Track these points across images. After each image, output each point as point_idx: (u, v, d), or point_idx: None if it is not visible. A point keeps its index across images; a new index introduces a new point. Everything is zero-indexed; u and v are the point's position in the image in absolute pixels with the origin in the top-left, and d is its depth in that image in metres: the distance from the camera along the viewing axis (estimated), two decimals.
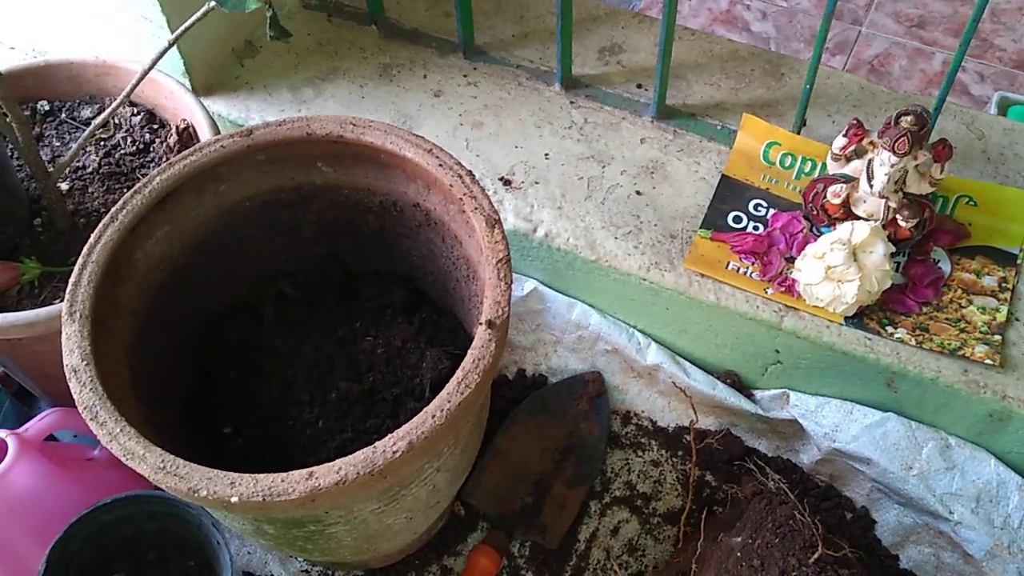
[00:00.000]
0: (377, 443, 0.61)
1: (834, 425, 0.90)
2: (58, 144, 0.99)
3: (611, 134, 1.02)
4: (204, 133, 0.93)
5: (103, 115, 0.85)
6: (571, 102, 1.05)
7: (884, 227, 0.85)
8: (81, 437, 0.99)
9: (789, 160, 0.97)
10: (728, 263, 0.91)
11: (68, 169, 0.96)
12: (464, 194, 0.74)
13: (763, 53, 1.09)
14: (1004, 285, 0.88)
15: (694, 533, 0.88)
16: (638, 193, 0.97)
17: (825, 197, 0.88)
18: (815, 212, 0.90)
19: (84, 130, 0.99)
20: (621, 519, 0.95)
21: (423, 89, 1.07)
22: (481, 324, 0.67)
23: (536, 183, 0.98)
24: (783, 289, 0.89)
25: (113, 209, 0.74)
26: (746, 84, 1.05)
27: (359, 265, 0.92)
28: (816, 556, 0.76)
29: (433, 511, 0.80)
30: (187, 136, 0.96)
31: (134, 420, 0.64)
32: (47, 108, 1.02)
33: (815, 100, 1.00)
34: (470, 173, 0.75)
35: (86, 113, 1.01)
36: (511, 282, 0.69)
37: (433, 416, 0.62)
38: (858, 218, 0.87)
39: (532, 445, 0.97)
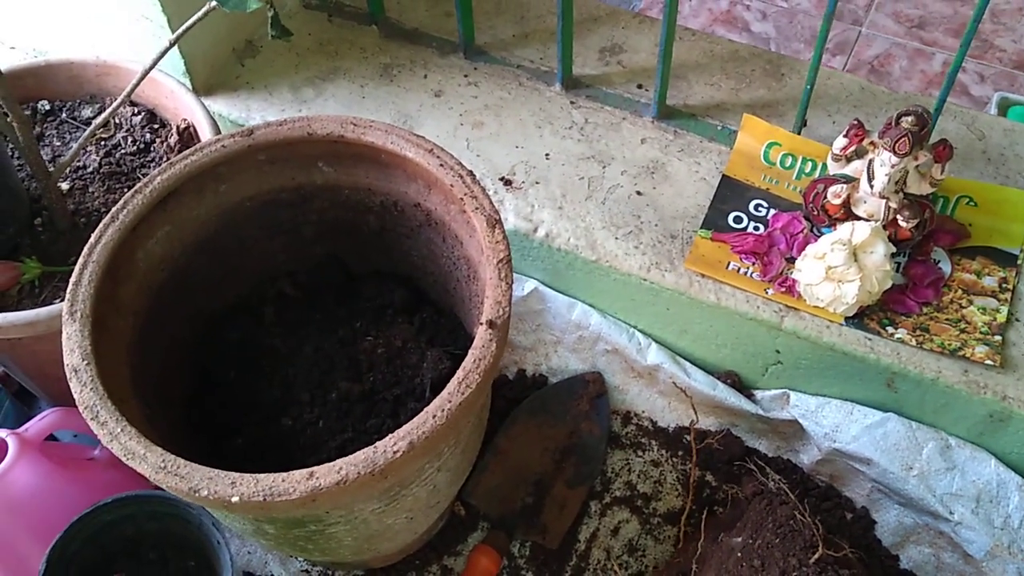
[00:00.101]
0: (378, 443, 0.61)
1: (834, 425, 0.90)
2: (59, 144, 0.99)
3: (612, 134, 1.02)
4: (205, 133, 0.93)
5: (104, 115, 0.85)
6: (572, 102, 1.05)
7: (885, 227, 0.85)
8: (81, 437, 0.99)
9: (789, 160, 0.97)
10: (728, 263, 0.91)
11: (69, 169, 0.96)
12: (465, 194, 0.74)
13: (763, 53, 1.09)
14: (1004, 285, 0.88)
15: (694, 533, 0.88)
16: (639, 193, 0.97)
17: (826, 197, 0.88)
18: (815, 212, 0.90)
19: (85, 130, 0.99)
20: (621, 519, 0.95)
21: (424, 89, 1.07)
22: (482, 324, 0.67)
23: (537, 183, 0.98)
24: (783, 289, 0.89)
25: (114, 209, 0.74)
26: (746, 84, 1.05)
27: (359, 265, 0.92)
28: (816, 556, 0.76)
29: (433, 511, 0.80)
30: (188, 136, 0.96)
31: (135, 420, 0.64)
32: (48, 108, 1.02)
33: (815, 100, 1.00)
34: (471, 173, 0.75)
35: (87, 113, 1.01)
36: (512, 282, 0.69)
37: (434, 416, 0.62)
38: (859, 218, 0.87)
39: (532, 445, 0.97)
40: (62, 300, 0.70)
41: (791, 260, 0.90)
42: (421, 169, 0.77)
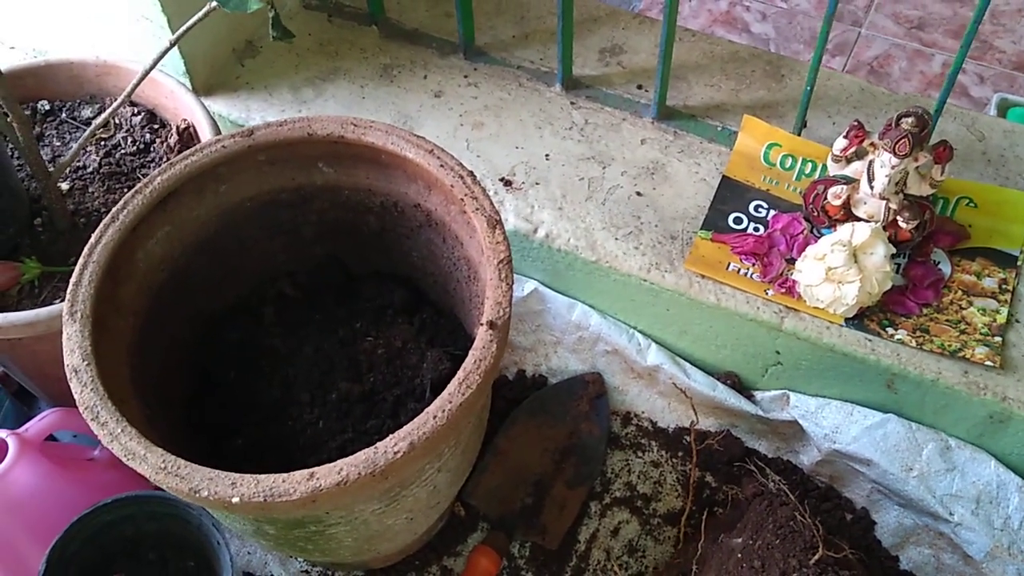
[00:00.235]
0: (378, 443, 0.61)
1: (834, 426, 0.90)
2: (58, 144, 0.99)
3: (612, 135, 1.02)
4: (205, 133, 0.93)
5: (104, 115, 0.85)
6: (572, 103, 1.05)
7: (885, 228, 0.85)
8: (81, 437, 0.98)
9: (789, 161, 0.97)
10: (728, 264, 0.91)
11: (68, 169, 0.96)
12: (465, 195, 0.74)
13: (763, 54, 1.09)
14: (1004, 287, 0.88)
15: (694, 534, 0.88)
16: (639, 194, 0.97)
17: (826, 198, 0.88)
18: (816, 213, 0.90)
19: (84, 130, 0.99)
20: (621, 520, 0.95)
21: (424, 90, 1.07)
22: (482, 325, 0.67)
23: (537, 184, 0.98)
24: (783, 290, 0.89)
25: (114, 209, 0.74)
26: (746, 85, 1.05)
27: (359, 265, 0.92)
28: (816, 557, 0.76)
29: (433, 512, 0.80)
30: (188, 136, 0.96)
31: (135, 420, 0.64)
32: (47, 108, 1.02)
33: (815, 101, 1.01)
34: (471, 174, 0.75)
35: (86, 113, 1.01)
36: (512, 283, 0.69)
37: (434, 417, 0.62)
38: (859, 219, 0.87)
39: (532, 446, 0.97)
40: (62, 300, 0.70)
41: (791, 261, 0.90)
42: (421, 170, 0.77)
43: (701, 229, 0.94)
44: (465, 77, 1.08)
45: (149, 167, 0.97)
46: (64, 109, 1.02)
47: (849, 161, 0.88)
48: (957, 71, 0.84)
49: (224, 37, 1.09)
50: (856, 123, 0.87)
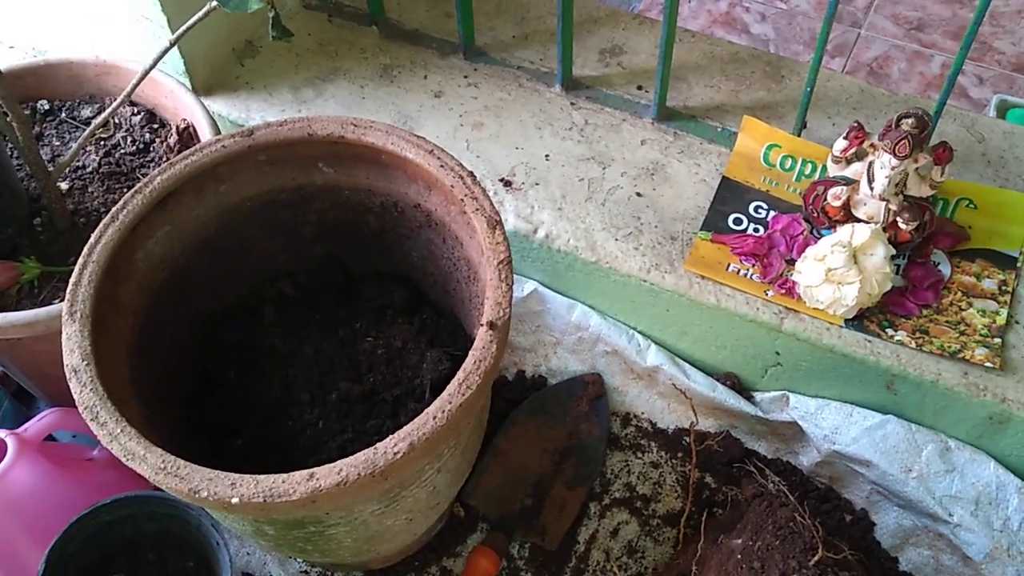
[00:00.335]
0: (378, 444, 0.61)
1: (834, 427, 0.90)
2: (58, 144, 0.99)
3: (612, 135, 1.02)
4: (204, 133, 0.93)
5: (103, 115, 0.85)
6: (572, 103, 1.05)
7: (884, 230, 0.86)
8: (80, 437, 0.98)
9: (789, 162, 0.97)
10: (728, 265, 0.91)
11: (68, 169, 0.95)
12: (465, 195, 0.74)
13: (763, 55, 1.09)
14: (1004, 288, 0.88)
15: (694, 535, 0.88)
16: (638, 195, 0.97)
17: (825, 199, 0.88)
18: (815, 214, 0.90)
19: (84, 130, 0.99)
20: (621, 521, 0.95)
21: (424, 90, 1.07)
22: (482, 325, 0.67)
23: (536, 184, 0.98)
24: (783, 291, 0.89)
25: (114, 209, 0.74)
26: (746, 86, 1.05)
27: (359, 266, 0.92)
28: (816, 558, 0.76)
29: (433, 512, 0.80)
30: (187, 136, 0.96)
31: (134, 420, 0.64)
32: (47, 107, 1.02)
33: (815, 102, 1.01)
34: (471, 174, 0.75)
35: (86, 113, 1.01)
36: (512, 283, 0.69)
37: (434, 417, 0.62)
38: (858, 220, 0.87)
39: (532, 446, 0.97)
40: (61, 300, 0.70)
41: (791, 262, 0.90)
42: (421, 170, 0.77)
43: (701, 230, 0.94)
44: (465, 77, 1.08)
45: (149, 167, 0.97)
46: (64, 109, 1.02)
47: (849, 162, 0.88)
48: (957, 72, 0.84)
49: (224, 37, 1.09)
50: (856, 124, 0.87)
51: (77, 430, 0.89)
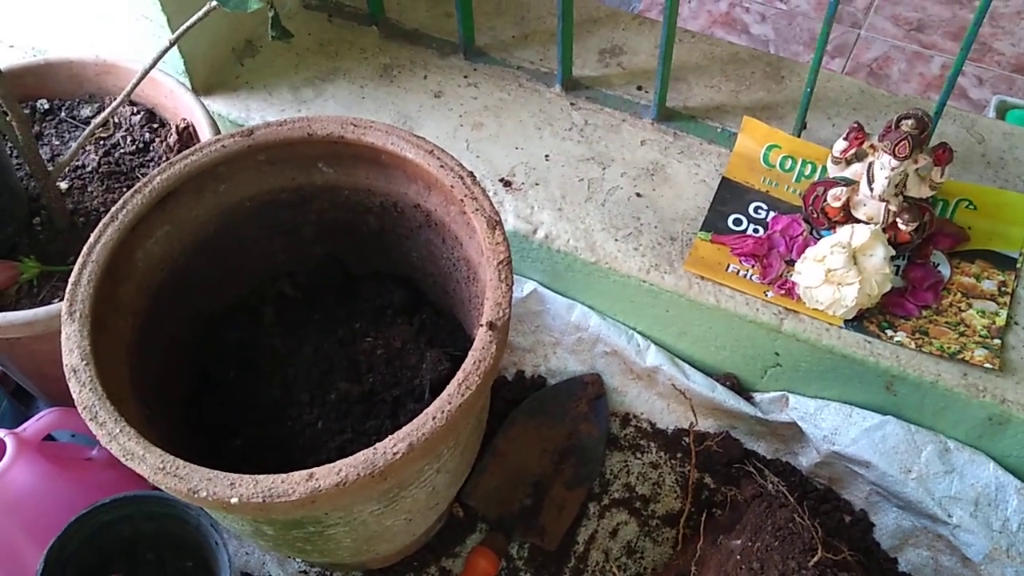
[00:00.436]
0: (377, 444, 0.61)
1: (833, 428, 0.90)
2: (57, 143, 0.99)
3: (611, 136, 1.02)
4: (204, 133, 0.93)
5: (103, 114, 0.85)
6: (571, 104, 1.05)
7: (884, 230, 0.86)
8: (79, 437, 0.98)
9: (789, 163, 0.97)
10: (728, 265, 0.91)
11: (67, 168, 0.95)
12: (465, 195, 0.74)
13: (763, 56, 1.09)
14: (1004, 289, 0.88)
15: (693, 536, 0.88)
16: (638, 195, 0.97)
17: (825, 200, 0.88)
18: (815, 215, 0.90)
19: (84, 129, 0.99)
20: (620, 521, 0.95)
21: (423, 90, 1.07)
22: (482, 326, 0.67)
23: (536, 184, 0.98)
24: (783, 292, 0.89)
25: (113, 208, 0.74)
26: (746, 87, 1.05)
27: (359, 266, 0.91)
28: (816, 559, 0.76)
29: (432, 512, 0.80)
30: (187, 136, 0.96)
31: (134, 420, 0.64)
32: (47, 107, 1.01)
33: (815, 103, 1.01)
34: (471, 174, 0.75)
35: (86, 112, 1.01)
36: (512, 284, 0.69)
37: (434, 418, 0.62)
38: (858, 221, 0.87)
39: (531, 447, 0.97)
40: (60, 300, 0.70)
41: (791, 263, 0.90)
42: (421, 170, 0.77)
43: (701, 230, 0.94)
44: (465, 77, 1.08)
45: (148, 166, 0.97)
46: (63, 108, 1.02)
47: (849, 163, 0.88)
48: (957, 73, 0.84)
49: (224, 37, 1.09)
50: (856, 125, 0.87)
51: (76, 430, 0.89)
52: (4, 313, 0.80)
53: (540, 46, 1.11)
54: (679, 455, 0.98)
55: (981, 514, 0.85)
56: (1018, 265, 0.90)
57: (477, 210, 0.73)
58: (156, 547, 0.88)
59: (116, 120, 1.00)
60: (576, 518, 0.95)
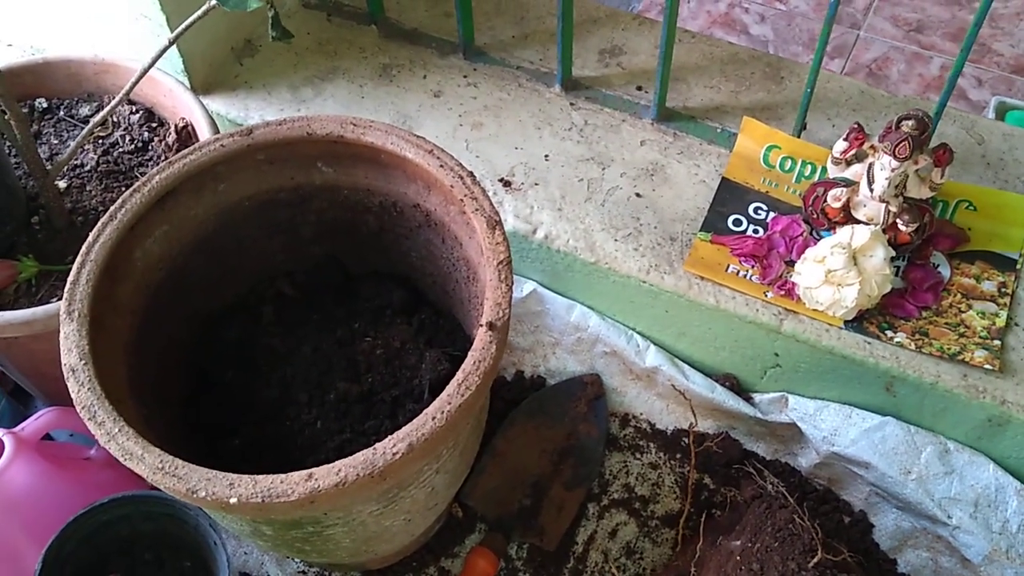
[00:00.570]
0: (377, 444, 0.61)
1: (833, 429, 0.90)
2: (56, 142, 0.99)
3: (611, 136, 1.02)
4: (203, 132, 0.92)
5: (102, 113, 0.85)
6: (571, 104, 1.05)
7: (884, 231, 0.85)
8: (77, 436, 0.98)
9: (789, 163, 0.97)
10: (728, 266, 0.91)
11: (66, 167, 0.95)
12: (465, 195, 0.74)
13: (763, 56, 1.09)
14: (1004, 290, 0.88)
15: (693, 536, 0.88)
16: (638, 195, 0.97)
17: (825, 201, 0.88)
18: (815, 216, 0.90)
19: (82, 128, 0.99)
20: (619, 521, 0.95)
21: (423, 89, 1.07)
22: (482, 326, 0.67)
23: (536, 184, 0.98)
24: (783, 292, 0.89)
25: (112, 208, 0.74)
26: (746, 87, 1.05)
27: (358, 265, 0.91)
28: (815, 560, 0.76)
29: (431, 513, 0.80)
30: (186, 135, 0.96)
31: (132, 420, 0.64)
32: (45, 106, 1.01)
33: (815, 103, 1.00)
34: (471, 174, 0.75)
35: (84, 111, 1.01)
36: (512, 284, 0.69)
37: (433, 418, 0.62)
38: (858, 222, 0.87)
39: (530, 447, 0.97)
40: (59, 299, 0.70)
41: (790, 263, 0.90)
42: (421, 170, 0.77)
43: (700, 231, 0.93)
44: (465, 77, 1.08)
45: (147, 166, 0.97)
46: (62, 107, 1.02)
47: (849, 164, 0.88)
48: (957, 74, 0.84)
49: (223, 36, 1.08)
50: (856, 125, 0.87)
51: (74, 429, 0.88)
52: (2, 312, 0.80)
53: (540, 46, 1.10)
54: (678, 456, 0.98)
55: (981, 515, 0.85)
56: (1018, 266, 0.90)
57: (477, 210, 0.73)
58: (154, 547, 0.88)
59: (115, 119, 1.00)
60: (575, 518, 0.94)
